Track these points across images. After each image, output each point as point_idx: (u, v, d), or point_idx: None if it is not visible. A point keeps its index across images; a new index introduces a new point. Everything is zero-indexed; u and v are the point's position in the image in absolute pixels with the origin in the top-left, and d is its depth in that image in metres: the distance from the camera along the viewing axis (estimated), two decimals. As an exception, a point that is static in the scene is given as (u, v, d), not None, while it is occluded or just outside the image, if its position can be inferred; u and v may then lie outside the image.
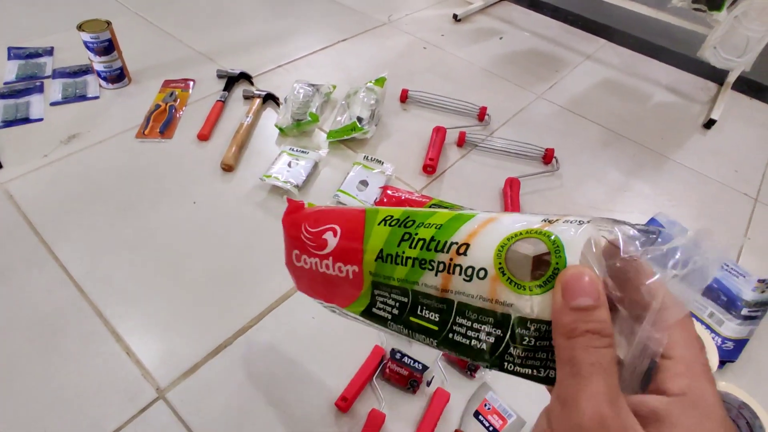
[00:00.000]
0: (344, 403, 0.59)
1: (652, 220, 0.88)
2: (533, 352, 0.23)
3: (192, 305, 0.68)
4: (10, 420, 0.56)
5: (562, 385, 0.20)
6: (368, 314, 0.33)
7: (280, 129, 0.96)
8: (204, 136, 0.93)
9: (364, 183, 0.86)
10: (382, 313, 0.32)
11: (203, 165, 0.89)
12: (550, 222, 0.24)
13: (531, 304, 0.23)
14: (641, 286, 0.21)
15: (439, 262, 0.27)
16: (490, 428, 0.59)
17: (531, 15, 1.54)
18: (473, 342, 0.26)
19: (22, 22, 1.22)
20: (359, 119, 0.94)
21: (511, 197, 0.87)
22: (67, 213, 0.78)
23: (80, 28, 0.96)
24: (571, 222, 0.24)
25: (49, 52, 1.11)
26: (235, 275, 0.72)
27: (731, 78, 1.25)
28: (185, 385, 0.60)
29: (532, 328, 0.23)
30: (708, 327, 0.73)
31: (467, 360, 0.28)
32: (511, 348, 0.24)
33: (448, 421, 0.60)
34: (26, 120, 0.94)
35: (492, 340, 0.25)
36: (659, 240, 0.22)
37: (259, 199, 0.84)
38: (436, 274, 0.27)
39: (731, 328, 0.73)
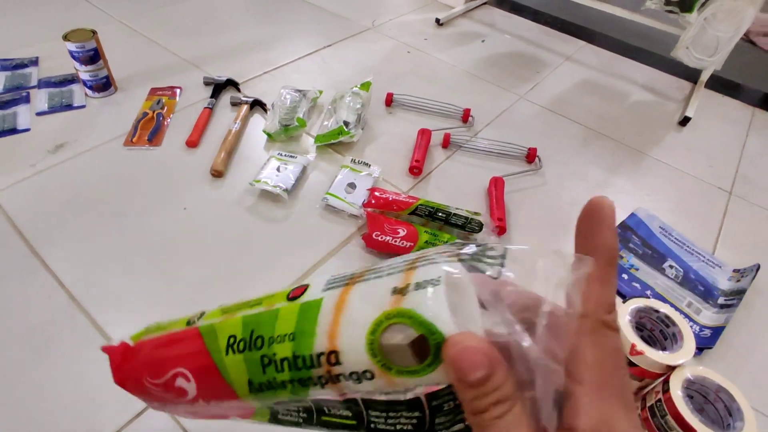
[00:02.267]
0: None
1: (632, 215, 0.92)
2: (454, 413, 0.24)
3: (184, 309, 0.68)
4: (5, 429, 0.56)
5: None
6: (277, 421, 0.30)
7: (268, 134, 0.97)
8: (193, 143, 0.94)
9: (352, 185, 0.88)
10: (290, 418, 0.29)
11: (192, 171, 0.90)
12: (400, 292, 0.22)
13: (433, 379, 0.21)
14: (522, 310, 0.20)
15: (318, 377, 0.24)
16: None
17: (512, 18, 1.58)
18: (399, 427, 0.25)
19: (6, 33, 1.21)
20: (346, 123, 0.96)
21: (495, 196, 0.89)
22: (57, 222, 0.78)
23: (66, 37, 0.96)
24: (422, 286, 0.21)
25: (34, 62, 1.11)
26: (227, 279, 0.73)
27: (704, 77, 1.30)
28: (181, 388, 0.61)
29: (445, 395, 0.23)
30: (686, 316, 0.76)
31: None
32: (437, 419, 0.24)
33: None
34: (13, 131, 0.94)
35: (415, 421, 0.24)
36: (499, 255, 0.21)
37: (249, 204, 0.85)
38: (323, 387, 0.24)
39: (708, 316, 0.77)
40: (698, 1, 1.10)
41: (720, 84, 1.36)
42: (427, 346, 0.20)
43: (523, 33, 1.49)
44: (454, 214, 0.80)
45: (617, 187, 0.99)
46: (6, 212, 0.79)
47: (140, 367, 0.31)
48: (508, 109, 1.17)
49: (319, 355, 0.23)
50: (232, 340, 0.27)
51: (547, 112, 1.17)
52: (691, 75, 1.34)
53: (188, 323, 0.30)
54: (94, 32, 0.99)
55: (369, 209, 0.81)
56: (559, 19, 1.59)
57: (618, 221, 0.90)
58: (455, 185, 0.94)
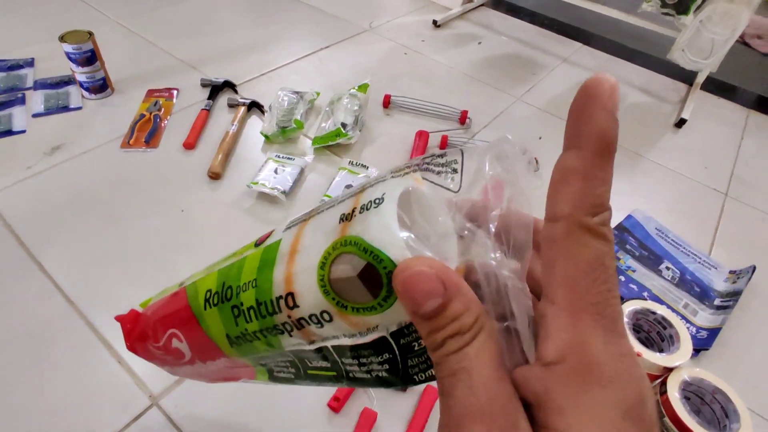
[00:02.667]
0: (336, 403, 0.60)
1: (629, 217, 0.92)
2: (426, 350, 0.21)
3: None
4: (2, 432, 0.56)
5: (443, 402, 0.17)
6: (275, 379, 0.29)
7: (266, 136, 0.97)
8: (190, 145, 0.94)
9: (350, 187, 0.88)
10: (284, 375, 0.28)
11: (190, 173, 0.89)
12: (347, 219, 0.19)
13: (394, 315, 0.19)
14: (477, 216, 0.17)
15: (283, 324, 0.22)
16: (395, 388, 0.61)
17: (509, 20, 1.58)
18: (374, 374, 0.22)
19: (1, 34, 1.21)
20: (343, 125, 0.96)
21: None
22: (54, 224, 0.78)
23: (62, 39, 0.96)
24: (368, 207, 0.19)
25: (30, 63, 1.10)
26: (225, 281, 0.73)
27: (700, 79, 1.30)
28: (178, 391, 0.61)
29: (412, 332, 0.20)
30: (683, 317, 0.76)
31: (380, 389, 0.26)
32: (409, 361, 0.21)
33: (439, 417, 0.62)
34: (9, 132, 0.93)
35: (387, 365, 0.21)
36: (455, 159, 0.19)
37: (246, 206, 0.85)
38: (290, 335, 0.22)
39: (705, 317, 0.77)
40: (694, 3, 1.11)
41: (715, 86, 1.36)
42: (377, 280, 0.18)
43: (520, 35, 1.50)
44: (262, 248, 0.80)
45: (613, 189, 0.97)
46: (2, 215, 0.78)
47: (145, 333, 0.32)
48: (505, 111, 1.17)
49: (278, 299, 0.21)
50: (208, 294, 0.26)
51: (544, 114, 1.18)
52: (686, 77, 1.35)
53: (180, 285, 0.31)
54: (90, 33, 0.98)
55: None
56: (555, 21, 1.60)
57: (614, 223, 0.91)
58: (453, 187, 0.94)
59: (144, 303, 0.34)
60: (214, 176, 0.89)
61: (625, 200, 0.97)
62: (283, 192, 0.85)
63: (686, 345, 0.61)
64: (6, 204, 0.80)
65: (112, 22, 1.30)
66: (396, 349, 0.20)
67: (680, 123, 1.18)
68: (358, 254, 0.18)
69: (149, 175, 0.88)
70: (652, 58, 1.44)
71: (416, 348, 0.20)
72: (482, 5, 1.63)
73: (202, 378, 0.33)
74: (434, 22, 1.47)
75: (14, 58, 1.12)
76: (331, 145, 0.97)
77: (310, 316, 0.21)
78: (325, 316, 0.20)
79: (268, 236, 0.24)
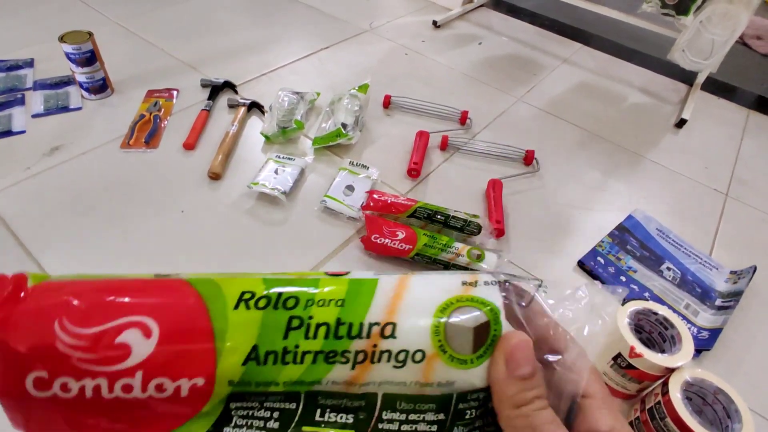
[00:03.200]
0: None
1: (629, 217, 0.92)
2: (473, 423, 0.22)
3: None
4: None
5: None
6: None
7: (266, 137, 0.97)
8: (190, 145, 0.94)
9: (350, 188, 0.88)
10: (255, 424, 0.23)
11: (190, 174, 0.89)
12: (470, 284, 0.23)
13: (474, 376, 0.22)
14: (547, 333, 0.23)
15: (357, 352, 0.21)
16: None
17: (509, 20, 1.58)
18: None
19: (0, 35, 1.20)
20: (344, 125, 0.96)
21: (494, 198, 0.89)
22: (53, 225, 0.78)
23: (62, 39, 0.96)
24: (489, 284, 0.23)
25: (30, 63, 1.10)
26: (226, 282, 0.73)
27: (700, 79, 1.31)
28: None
29: (472, 400, 0.22)
30: (684, 317, 0.76)
31: None
32: (456, 427, 0.22)
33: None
34: (8, 133, 0.93)
35: (435, 428, 0.22)
36: (544, 289, 0.24)
37: (247, 206, 0.85)
38: (352, 367, 0.21)
39: (706, 318, 0.77)
40: (694, 4, 1.11)
41: (715, 86, 1.37)
42: (483, 339, 0.22)
43: (520, 35, 1.50)
44: (453, 217, 0.80)
45: (614, 189, 1.00)
46: (1, 215, 0.78)
47: (59, 304, 0.22)
48: (505, 112, 1.17)
49: (372, 324, 0.21)
50: (248, 295, 0.22)
51: (545, 114, 1.18)
52: (686, 77, 1.35)
53: (157, 276, 0.25)
54: (90, 34, 0.98)
55: (367, 212, 0.81)
56: (556, 22, 1.60)
57: (615, 223, 0.91)
58: (453, 187, 0.94)
59: (37, 277, 0.24)
60: (215, 177, 0.88)
61: (625, 200, 0.97)
62: (284, 192, 0.85)
63: (688, 345, 0.61)
64: (5, 205, 0.80)
65: (111, 22, 1.30)
66: (451, 412, 0.22)
67: (680, 123, 1.18)
68: (485, 312, 0.22)
69: (149, 175, 0.88)
70: (652, 58, 1.44)
71: (467, 416, 0.22)
72: (482, 6, 1.63)
73: (58, 414, 0.21)
74: (434, 23, 1.47)
75: (14, 58, 1.11)
76: (331, 145, 0.97)
77: (399, 352, 0.21)
78: (417, 355, 0.21)
79: (341, 274, 0.24)
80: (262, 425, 0.22)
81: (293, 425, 0.22)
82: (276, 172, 0.88)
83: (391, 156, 0.99)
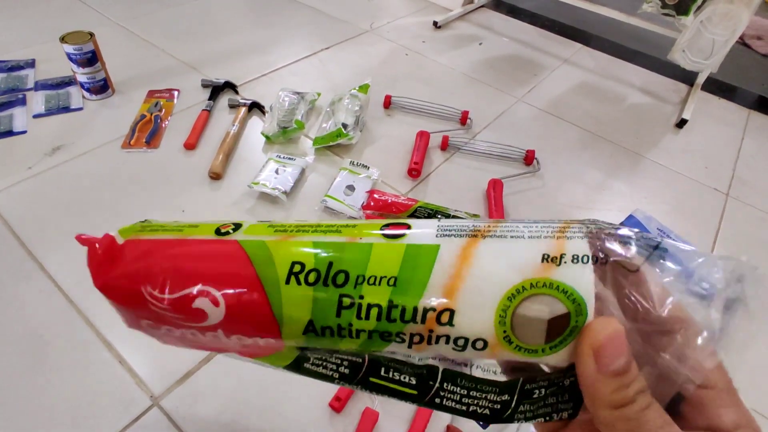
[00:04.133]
0: (338, 403, 0.60)
1: (630, 217, 0.92)
2: (544, 400, 0.21)
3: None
4: (2, 433, 0.56)
5: None
6: (297, 369, 0.24)
7: (267, 137, 0.97)
8: (191, 145, 0.94)
9: (351, 188, 0.88)
10: (321, 370, 0.24)
11: (191, 174, 0.89)
12: (553, 261, 0.19)
13: (545, 363, 0.20)
14: (659, 310, 0.19)
15: (412, 335, 0.20)
16: (482, 423, 0.61)
17: (509, 21, 1.58)
18: (472, 408, 0.21)
19: (2, 35, 1.21)
20: (344, 125, 0.96)
21: (494, 198, 0.89)
22: (54, 225, 0.78)
23: (63, 39, 0.96)
24: (577, 261, 0.19)
25: (31, 64, 1.10)
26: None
27: (700, 79, 1.31)
28: (179, 391, 0.61)
29: (541, 381, 0.21)
30: (685, 317, 0.76)
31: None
32: (522, 406, 0.21)
33: (441, 417, 0.61)
34: (10, 133, 0.93)
35: (498, 406, 0.21)
36: (662, 254, 0.19)
37: (248, 206, 0.85)
38: (409, 346, 0.20)
39: (707, 317, 0.77)
40: (694, 4, 1.11)
41: (716, 86, 1.37)
42: (560, 330, 0.18)
43: (521, 36, 1.50)
44: (454, 216, 0.80)
45: (615, 189, 1.00)
46: (2, 215, 0.78)
47: (141, 273, 0.24)
48: (506, 112, 1.17)
49: (427, 310, 0.19)
50: (297, 267, 0.21)
51: (545, 115, 1.18)
52: (687, 77, 1.35)
53: (218, 233, 0.24)
54: (91, 34, 0.98)
55: (368, 211, 0.81)
56: (556, 22, 1.60)
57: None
58: (454, 187, 0.94)
59: (125, 231, 0.26)
60: (215, 176, 0.88)
61: (626, 200, 0.97)
62: (284, 192, 0.85)
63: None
64: (7, 204, 0.80)
65: (112, 23, 1.30)
66: (517, 393, 0.20)
67: (681, 123, 1.18)
68: (564, 302, 0.18)
69: (150, 175, 0.88)
70: (652, 58, 1.45)
71: (535, 396, 0.20)
72: (482, 6, 1.63)
73: (179, 342, 0.25)
74: (435, 24, 1.47)
75: (15, 59, 1.12)
76: (332, 145, 0.97)
77: (457, 338, 0.19)
78: (478, 344, 0.19)
79: (401, 230, 0.21)
80: (334, 368, 0.23)
81: (361, 375, 0.23)
82: (277, 171, 0.88)
83: (392, 156, 0.99)
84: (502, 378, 0.21)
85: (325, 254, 0.21)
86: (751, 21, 1.09)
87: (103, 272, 0.25)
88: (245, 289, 0.22)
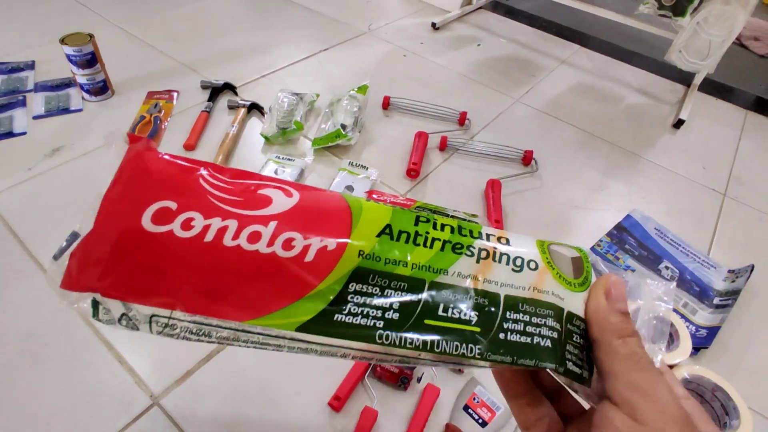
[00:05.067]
0: (337, 402, 0.60)
1: (628, 217, 0.92)
2: (579, 350, 0.23)
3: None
4: (2, 433, 0.56)
5: (634, 380, 0.21)
6: (320, 326, 0.20)
7: (266, 137, 0.97)
8: (190, 146, 0.94)
9: (350, 188, 0.88)
10: (359, 320, 0.20)
11: (190, 174, 0.90)
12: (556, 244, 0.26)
13: (578, 300, 0.23)
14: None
15: (480, 249, 0.23)
16: (480, 421, 0.61)
17: (507, 22, 1.59)
18: (536, 339, 0.22)
19: (1, 37, 1.21)
20: (343, 126, 0.96)
21: (493, 198, 0.89)
22: (54, 225, 0.78)
23: (63, 41, 0.96)
24: (562, 245, 0.26)
25: (31, 66, 1.11)
26: (226, 282, 0.73)
27: (697, 80, 1.31)
28: (179, 391, 0.61)
29: (576, 326, 0.23)
30: (682, 316, 0.77)
31: (521, 367, 0.22)
32: (568, 344, 0.22)
33: (439, 416, 0.62)
34: (9, 134, 0.93)
35: (555, 335, 0.22)
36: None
37: (246, 206, 0.85)
38: (477, 261, 0.22)
39: (704, 316, 0.77)
40: (691, 5, 1.11)
41: (713, 87, 1.37)
42: (580, 271, 0.24)
43: (518, 37, 1.51)
44: (452, 216, 0.80)
45: (612, 189, 1.00)
46: (2, 216, 0.78)
47: (205, 164, 0.22)
48: (504, 112, 1.17)
49: (487, 234, 0.24)
50: (375, 196, 0.27)
51: (543, 115, 1.18)
52: (684, 78, 1.36)
53: None
54: (91, 36, 0.99)
55: (367, 211, 0.82)
56: (553, 24, 1.61)
57: (613, 223, 0.91)
58: (452, 187, 0.95)
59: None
60: (215, 177, 0.89)
61: (624, 200, 0.97)
62: (284, 193, 0.85)
63: (686, 343, 0.62)
64: (6, 206, 0.80)
65: (112, 25, 1.30)
66: (565, 327, 0.23)
67: (678, 124, 1.19)
68: (575, 249, 0.25)
69: (149, 176, 0.89)
70: (649, 59, 1.45)
71: (575, 339, 0.23)
72: (480, 8, 1.64)
73: (151, 263, 0.19)
74: (433, 25, 1.48)
75: (15, 60, 1.12)
76: (330, 146, 0.97)
77: (516, 257, 0.23)
78: (532, 264, 0.23)
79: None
80: (380, 315, 0.20)
81: (415, 317, 0.21)
82: (276, 172, 0.88)
83: (391, 156, 0.99)
84: (552, 300, 0.23)
85: (397, 208, 0.25)
86: (748, 22, 1.10)
87: (147, 151, 0.22)
88: (325, 195, 0.23)
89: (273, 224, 0.20)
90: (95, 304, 0.21)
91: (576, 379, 0.22)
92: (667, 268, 0.84)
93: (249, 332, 0.20)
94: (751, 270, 0.80)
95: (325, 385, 0.62)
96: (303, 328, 0.20)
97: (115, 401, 0.59)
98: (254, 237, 0.19)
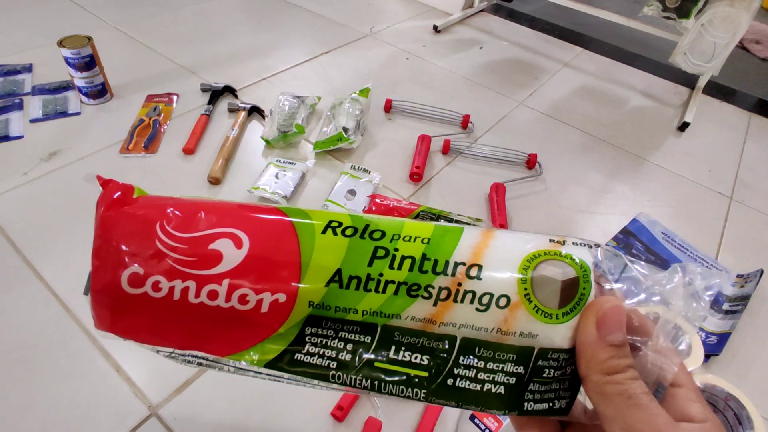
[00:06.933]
0: (340, 412, 0.59)
1: (634, 221, 0.91)
2: (550, 384, 0.21)
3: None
4: (-5, 445, 0.54)
5: (631, 423, 0.19)
6: (284, 363, 0.22)
7: (267, 141, 0.96)
8: (189, 150, 0.93)
9: (352, 192, 0.87)
10: (316, 360, 0.22)
11: (190, 179, 0.88)
12: (557, 242, 0.22)
13: (558, 333, 0.21)
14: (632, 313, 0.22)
15: (440, 288, 0.21)
16: (486, 431, 0.59)
17: (509, 25, 1.58)
18: (487, 386, 0.21)
19: (-2, 39, 1.20)
20: (345, 129, 0.95)
21: (497, 202, 0.88)
22: (50, 231, 0.76)
23: (61, 43, 0.95)
24: (578, 244, 0.22)
25: (28, 68, 1.09)
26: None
27: (701, 82, 1.30)
28: (178, 401, 0.59)
29: (552, 359, 0.21)
30: (692, 322, 0.75)
31: (471, 410, 0.22)
32: (532, 384, 0.21)
33: (445, 426, 0.60)
34: (5, 138, 0.92)
35: (513, 380, 0.21)
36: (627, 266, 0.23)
37: (247, 211, 0.84)
38: (434, 304, 0.21)
39: (714, 322, 0.76)
40: (695, 7, 1.11)
41: (717, 90, 1.36)
42: (571, 296, 0.21)
43: (521, 40, 1.50)
44: (456, 221, 0.79)
45: (617, 193, 0.99)
46: (-2, 221, 0.77)
47: (158, 212, 0.23)
48: (507, 115, 1.16)
49: (458, 264, 0.21)
50: (335, 224, 0.22)
51: (547, 118, 1.17)
52: (688, 81, 1.35)
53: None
54: (89, 38, 0.98)
55: (369, 216, 0.80)
56: (556, 26, 1.60)
57: (620, 227, 0.90)
58: (456, 191, 0.93)
59: (141, 191, 0.26)
60: (215, 181, 0.87)
61: (629, 204, 0.96)
62: (285, 197, 0.84)
63: (698, 350, 0.60)
64: (2, 210, 0.79)
65: (111, 27, 1.29)
66: (531, 366, 0.21)
67: (683, 126, 1.18)
68: (575, 268, 0.21)
69: (148, 180, 0.87)
70: (652, 61, 1.44)
71: (545, 375, 0.21)
72: (482, 11, 1.63)
73: (144, 316, 0.23)
74: (435, 28, 1.47)
75: (12, 63, 1.11)
76: (332, 149, 0.96)
77: (483, 295, 0.21)
78: (502, 301, 0.21)
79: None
80: (333, 355, 0.22)
81: (365, 360, 0.22)
82: (277, 176, 0.87)
83: (393, 160, 0.98)
84: (518, 343, 0.21)
85: (363, 221, 0.23)
86: (750, 26, 1.09)
87: (112, 206, 0.24)
88: (276, 235, 0.22)
89: (226, 282, 0.22)
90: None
91: (542, 414, 0.21)
92: (674, 273, 0.83)
93: (227, 365, 0.23)
94: (761, 275, 0.79)
95: (327, 394, 0.61)
96: (270, 364, 0.22)
97: (111, 412, 0.57)
98: (213, 295, 0.22)
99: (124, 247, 0.23)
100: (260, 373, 0.23)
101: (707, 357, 0.70)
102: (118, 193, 0.24)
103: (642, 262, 0.22)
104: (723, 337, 0.72)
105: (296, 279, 0.21)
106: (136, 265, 0.22)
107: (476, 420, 0.60)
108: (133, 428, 0.56)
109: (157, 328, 0.23)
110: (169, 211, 0.23)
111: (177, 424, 0.57)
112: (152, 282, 0.22)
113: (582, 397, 0.22)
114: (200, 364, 0.24)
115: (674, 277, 0.22)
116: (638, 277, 0.22)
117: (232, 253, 0.22)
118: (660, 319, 0.21)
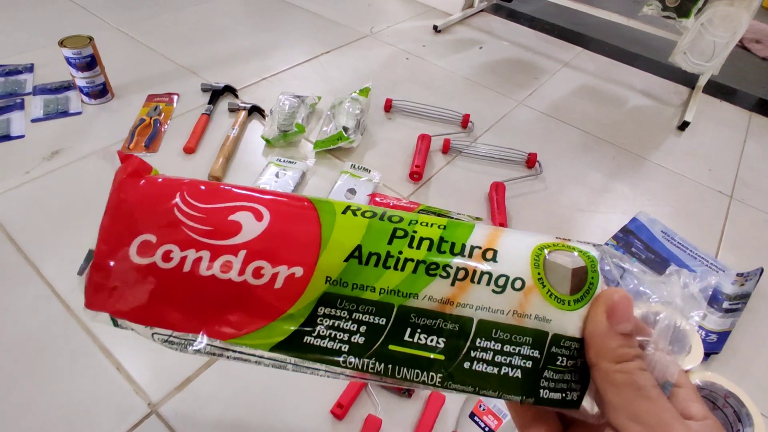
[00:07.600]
0: (340, 410, 0.59)
1: (634, 220, 0.91)
2: (563, 374, 0.21)
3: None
4: (-4, 442, 0.54)
5: (638, 412, 0.19)
6: (293, 347, 0.22)
7: (267, 140, 0.96)
8: (190, 149, 0.93)
9: (352, 191, 0.87)
10: (326, 343, 0.21)
11: (190, 177, 0.88)
12: (564, 239, 0.23)
13: (569, 320, 0.21)
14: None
15: (458, 268, 0.21)
16: (486, 429, 0.60)
17: (509, 25, 1.58)
18: (504, 369, 0.21)
19: (0, 40, 1.20)
20: (345, 129, 0.95)
21: (497, 201, 0.88)
22: (52, 229, 0.77)
23: (62, 44, 0.95)
24: (580, 242, 0.23)
25: (29, 68, 1.10)
26: (226, 286, 0.72)
27: (701, 82, 1.30)
28: (178, 398, 0.59)
29: (565, 347, 0.21)
30: (691, 320, 0.75)
31: (488, 396, 0.22)
32: (546, 371, 0.21)
33: (445, 424, 0.60)
34: (7, 137, 0.92)
35: (529, 364, 0.21)
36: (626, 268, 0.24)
37: (247, 210, 0.84)
38: (452, 284, 0.21)
39: (714, 321, 0.76)
40: (695, 6, 1.11)
41: (717, 89, 1.36)
42: (581, 284, 0.21)
43: (521, 40, 1.50)
44: (456, 220, 0.79)
45: (617, 192, 0.99)
46: (-1, 220, 0.77)
47: (180, 182, 0.23)
48: (507, 115, 1.16)
49: (474, 247, 0.22)
50: (355, 206, 0.23)
51: (547, 118, 1.17)
52: (688, 80, 1.35)
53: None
54: (90, 38, 0.98)
55: (369, 215, 0.80)
56: (556, 26, 1.60)
57: (619, 226, 0.90)
58: (456, 190, 0.93)
59: (157, 172, 0.26)
60: (215, 180, 0.88)
61: (629, 203, 0.96)
62: (285, 196, 0.84)
63: (698, 349, 0.60)
64: (4, 209, 0.79)
65: (112, 28, 1.30)
66: (546, 351, 0.21)
67: (683, 126, 1.18)
68: (582, 256, 0.22)
69: (149, 179, 0.87)
70: (652, 61, 1.44)
71: (558, 362, 0.21)
72: (482, 11, 1.63)
73: (145, 290, 0.22)
74: (435, 28, 1.47)
75: (13, 63, 1.11)
76: (332, 148, 0.96)
77: (499, 277, 0.21)
78: (517, 283, 0.21)
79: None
80: (346, 338, 0.21)
81: (379, 342, 0.21)
82: (277, 175, 0.87)
83: (393, 159, 0.98)
84: (533, 325, 0.21)
85: (380, 209, 0.23)
86: (749, 25, 1.09)
87: (136, 173, 0.24)
88: (297, 211, 0.22)
89: (242, 253, 0.21)
90: (113, 318, 0.24)
91: (556, 405, 0.21)
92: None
93: (230, 350, 0.22)
94: (761, 273, 0.79)
95: (327, 392, 0.61)
96: (277, 348, 0.22)
97: (112, 409, 0.58)
98: (226, 266, 0.21)
99: (139, 212, 0.22)
100: (264, 358, 0.22)
101: (707, 355, 0.70)
102: (138, 165, 0.25)
103: (640, 264, 0.23)
104: (723, 336, 0.72)
105: (315, 253, 0.21)
106: (149, 231, 0.22)
107: (476, 418, 0.60)
108: (133, 426, 0.56)
109: (157, 305, 0.22)
110: (190, 182, 0.23)
111: (177, 422, 0.57)
112: (163, 251, 0.21)
113: (589, 398, 0.22)
114: (198, 351, 0.22)
115: (671, 278, 0.22)
116: (637, 277, 0.23)
117: (251, 225, 0.22)
118: (660, 318, 0.22)
